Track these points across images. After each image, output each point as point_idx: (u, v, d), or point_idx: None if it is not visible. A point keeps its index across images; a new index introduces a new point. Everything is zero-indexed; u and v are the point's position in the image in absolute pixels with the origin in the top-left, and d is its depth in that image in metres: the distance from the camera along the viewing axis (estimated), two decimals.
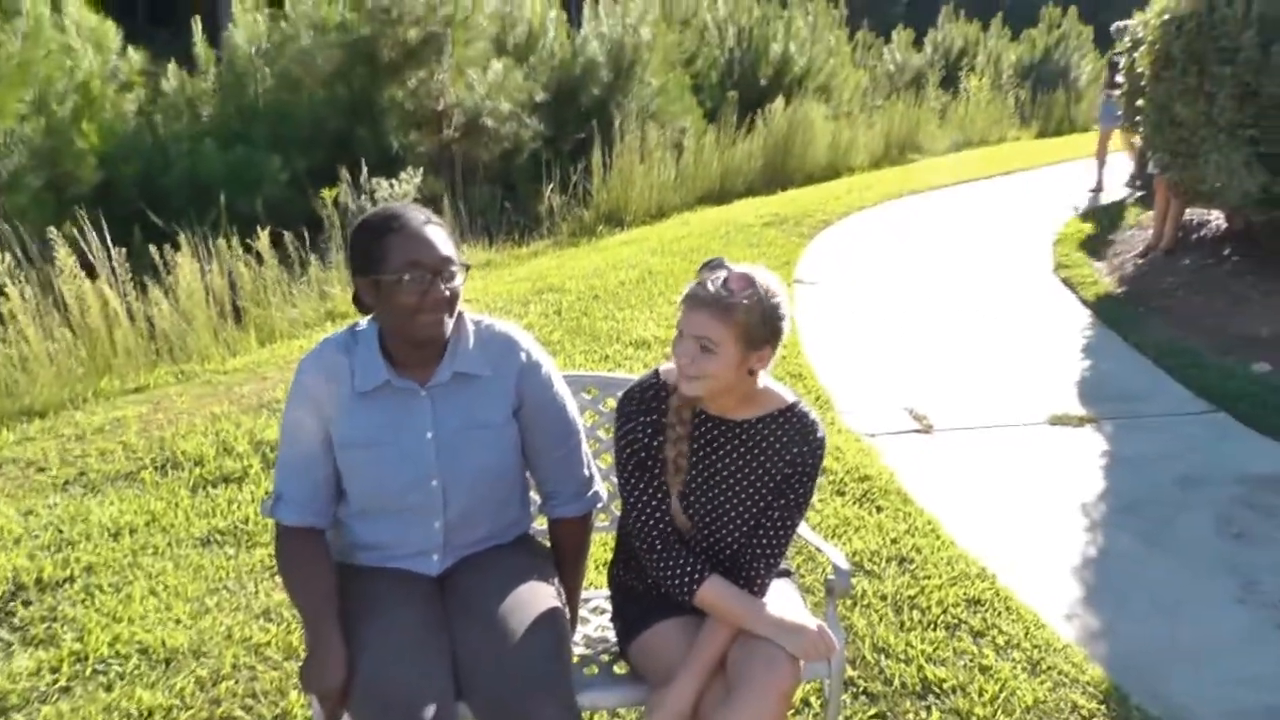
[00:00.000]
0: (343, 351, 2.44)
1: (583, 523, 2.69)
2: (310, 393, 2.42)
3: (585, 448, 2.68)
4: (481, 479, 2.49)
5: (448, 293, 2.36)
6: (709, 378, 2.35)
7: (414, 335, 2.37)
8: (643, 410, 2.48)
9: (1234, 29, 6.95)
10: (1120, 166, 13.47)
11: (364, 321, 2.50)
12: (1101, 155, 13.43)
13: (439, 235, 2.38)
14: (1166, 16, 7.77)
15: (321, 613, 2.32)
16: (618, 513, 2.86)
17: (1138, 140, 10.21)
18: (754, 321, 2.33)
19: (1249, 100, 6.89)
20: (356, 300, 2.44)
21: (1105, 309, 7.79)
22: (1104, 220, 10.95)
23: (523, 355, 2.53)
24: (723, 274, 2.33)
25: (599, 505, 2.70)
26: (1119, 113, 12.45)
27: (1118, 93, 12.29)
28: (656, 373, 2.52)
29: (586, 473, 2.67)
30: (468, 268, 2.47)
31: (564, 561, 2.68)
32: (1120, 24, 12.82)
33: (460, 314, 2.49)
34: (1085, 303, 8.03)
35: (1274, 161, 6.86)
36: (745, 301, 2.31)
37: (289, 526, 2.45)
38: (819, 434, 2.49)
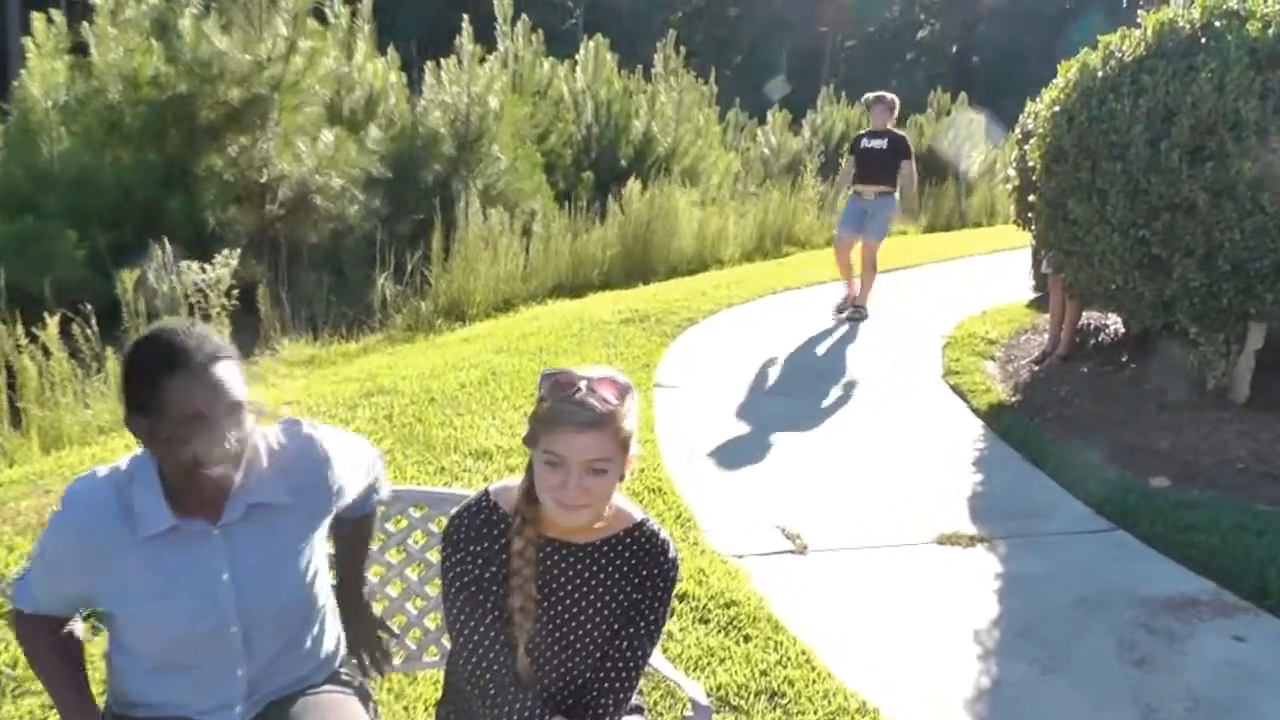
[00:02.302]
0: (115, 491, 2.35)
1: (370, 516, 2.93)
2: (78, 539, 2.34)
3: (369, 452, 2.81)
4: (291, 617, 2.49)
5: (236, 443, 2.30)
6: (600, 501, 2.39)
7: (197, 490, 2.33)
8: (473, 538, 2.47)
9: (1122, 123, 7.34)
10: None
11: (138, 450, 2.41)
12: (847, 270, 11.96)
13: (228, 374, 2.29)
14: (1057, 108, 8.15)
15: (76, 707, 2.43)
16: (448, 645, 2.86)
17: (1030, 238, 10.50)
18: (632, 427, 2.38)
19: (1140, 198, 7.25)
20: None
21: (998, 419, 8.06)
22: (997, 323, 11.34)
23: (332, 481, 2.55)
24: (583, 384, 2.34)
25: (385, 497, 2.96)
26: (888, 213, 11.59)
27: (873, 191, 11.55)
28: (487, 494, 2.52)
29: (378, 479, 2.86)
30: (261, 413, 2.44)
31: (348, 552, 2.86)
32: (873, 95, 12.27)
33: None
34: (976, 412, 8.30)
35: (1167, 264, 7.22)
36: (625, 408, 2.36)
37: (28, 615, 2.47)
38: (671, 554, 2.53)
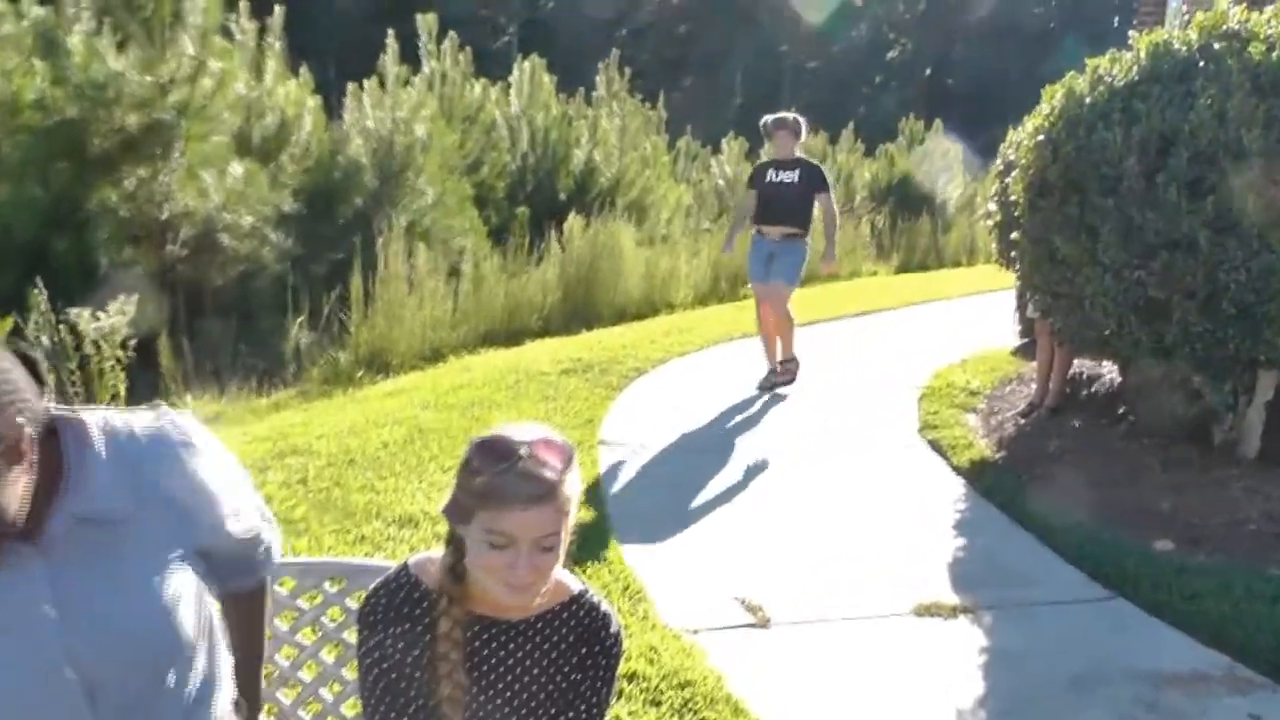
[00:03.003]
0: None
1: (260, 591, 2.66)
2: None
3: (253, 499, 2.52)
4: (147, 658, 2.21)
5: None
6: (548, 577, 2.37)
7: None
8: (392, 618, 2.43)
9: (1114, 154, 7.37)
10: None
11: None
12: (770, 330, 10.85)
13: None
14: (1041, 137, 8.16)
15: None
16: None
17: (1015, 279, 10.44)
18: (574, 493, 2.35)
19: (1134, 236, 7.28)
20: None
21: (981, 477, 8.09)
22: (979, 372, 11.40)
23: (201, 482, 2.29)
24: (523, 450, 2.29)
25: (275, 565, 2.65)
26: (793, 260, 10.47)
27: (778, 232, 10.50)
28: (406, 568, 2.49)
29: (263, 535, 2.55)
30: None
31: (239, 641, 2.56)
32: (772, 117, 10.85)
33: (81, 422, 2.22)
34: (957, 469, 8.33)
35: (1166, 307, 7.25)
36: (569, 474, 2.33)
37: None
38: (613, 628, 2.50)
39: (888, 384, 11.11)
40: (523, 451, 2.28)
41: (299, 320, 11.42)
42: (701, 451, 8.71)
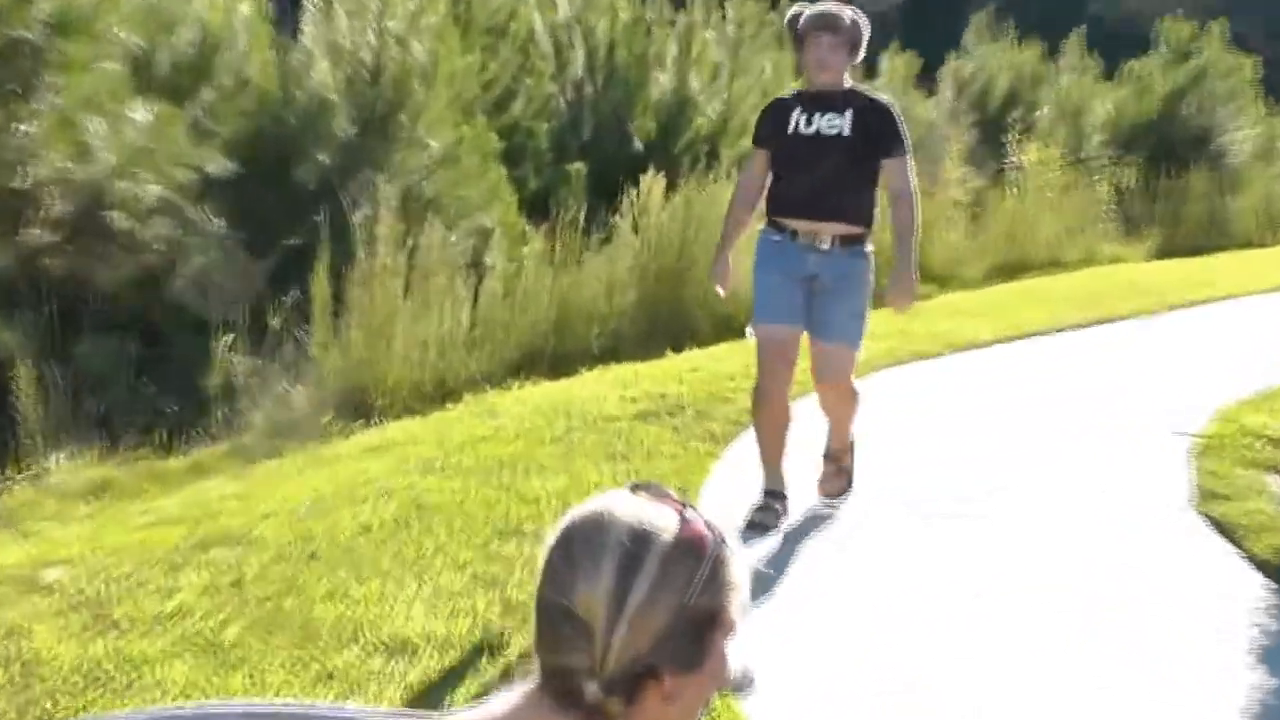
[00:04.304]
0: None
1: None
2: None
3: None
4: None
5: None
6: None
7: None
8: None
9: None
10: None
11: None
12: (779, 419, 8.93)
13: None
14: None
15: None
16: None
17: None
18: None
19: None
20: None
21: None
22: None
23: None
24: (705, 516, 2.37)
25: None
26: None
27: (828, 232, 8.31)
28: None
29: None
30: None
31: None
32: (805, 10, 8.34)
33: None
34: (1256, 562, 8.21)
35: None
36: None
37: None
38: None
39: (1142, 429, 11.04)
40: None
41: (231, 339, 11.42)
42: (851, 530, 8.65)
